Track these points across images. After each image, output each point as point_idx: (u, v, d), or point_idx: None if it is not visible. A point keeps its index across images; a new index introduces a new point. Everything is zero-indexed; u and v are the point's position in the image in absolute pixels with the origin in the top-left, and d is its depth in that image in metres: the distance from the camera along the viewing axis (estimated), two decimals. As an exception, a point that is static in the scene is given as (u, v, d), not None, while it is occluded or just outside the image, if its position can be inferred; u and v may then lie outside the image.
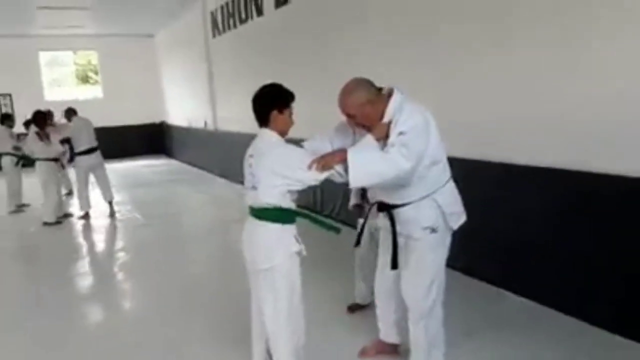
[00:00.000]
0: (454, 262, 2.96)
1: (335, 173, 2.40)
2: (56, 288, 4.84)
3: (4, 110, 13.98)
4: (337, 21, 6.00)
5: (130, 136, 15.39)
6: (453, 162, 2.72)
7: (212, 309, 4.06)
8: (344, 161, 2.36)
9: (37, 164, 7.40)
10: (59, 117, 8.39)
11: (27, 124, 8.64)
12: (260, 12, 8.08)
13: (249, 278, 2.71)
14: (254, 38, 8.48)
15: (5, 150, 8.36)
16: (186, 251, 5.99)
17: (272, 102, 2.52)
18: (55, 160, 7.46)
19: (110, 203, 7.86)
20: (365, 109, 2.47)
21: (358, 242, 3.17)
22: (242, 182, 9.04)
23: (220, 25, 10.01)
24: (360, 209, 3.57)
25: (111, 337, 3.71)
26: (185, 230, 7.22)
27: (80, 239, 6.88)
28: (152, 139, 16.03)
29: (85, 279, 5.20)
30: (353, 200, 3.62)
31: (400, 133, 2.38)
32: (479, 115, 4.11)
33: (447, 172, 2.65)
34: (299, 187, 2.46)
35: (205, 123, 11.67)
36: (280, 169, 2.42)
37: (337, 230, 2.71)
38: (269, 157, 2.46)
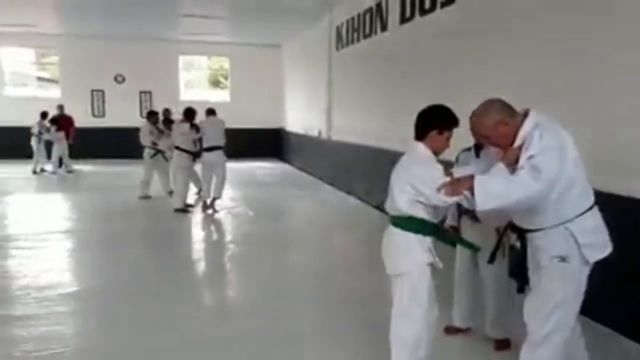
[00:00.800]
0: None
1: (463, 198, 2.42)
2: (172, 271, 5.28)
3: (144, 105, 15.60)
4: (463, 38, 5.96)
5: (251, 139, 16.25)
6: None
7: (312, 308, 4.24)
8: (472, 188, 2.36)
9: (175, 153, 8.21)
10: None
11: (165, 121, 9.55)
12: (384, 28, 8.23)
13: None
14: (376, 53, 8.65)
15: (147, 144, 9.29)
16: (291, 249, 6.29)
17: (435, 122, 2.64)
18: (190, 153, 8.15)
19: (214, 199, 8.17)
20: (500, 129, 2.45)
21: (492, 259, 3.04)
22: (348, 192, 9.13)
23: (344, 39, 10.33)
24: (456, 231, 3.55)
25: (217, 325, 3.93)
26: (291, 230, 7.54)
27: (197, 228, 7.48)
28: (270, 143, 16.89)
29: (198, 265, 5.66)
30: (449, 221, 3.58)
31: (531, 156, 2.31)
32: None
33: (587, 199, 2.45)
34: (424, 201, 2.55)
35: (320, 132, 12.06)
36: (412, 179, 2.55)
37: (477, 249, 2.86)
38: (410, 167, 2.62)
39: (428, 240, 2.65)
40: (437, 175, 2.54)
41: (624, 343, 3.57)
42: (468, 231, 3.48)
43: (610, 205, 2.67)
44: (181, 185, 8.20)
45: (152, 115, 9.53)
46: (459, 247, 3.55)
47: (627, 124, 3.71)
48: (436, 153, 2.66)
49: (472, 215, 3.36)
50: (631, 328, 3.60)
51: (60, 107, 13.28)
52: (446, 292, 3.70)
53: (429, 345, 2.73)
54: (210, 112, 8.47)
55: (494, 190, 2.33)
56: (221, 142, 8.11)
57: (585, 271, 2.46)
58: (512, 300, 3.39)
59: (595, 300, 2.69)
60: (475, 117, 2.53)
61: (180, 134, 8.05)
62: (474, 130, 2.55)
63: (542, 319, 2.48)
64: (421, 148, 2.66)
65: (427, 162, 2.61)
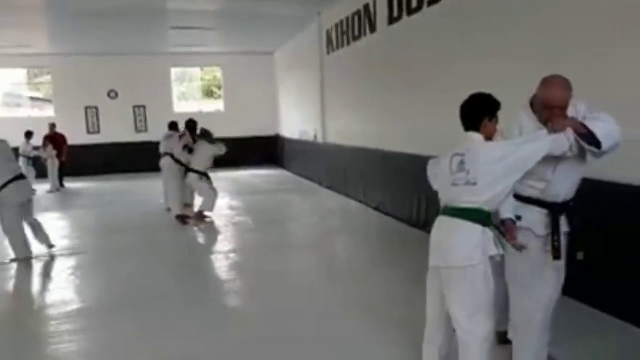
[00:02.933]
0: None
1: (568, 138, 2.52)
2: (177, 284, 5.28)
3: (138, 119, 15.84)
4: (452, 35, 5.99)
5: (247, 147, 16.11)
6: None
7: (316, 313, 4.22)
8: (574, 128, 2.49)
9: (173, 165, 8.38)
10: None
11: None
12: (373, 29, 8.27)
13: (429, 277, 2.76)
14: (367, 54, 8.69)
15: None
16: (292, 256, 6.26)
17: (485, 109, 2.66)
18: (181, 164, 8.25)
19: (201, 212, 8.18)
20: (570, 103, 2.62)
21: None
22: (346, 195, 9.03)
23: (334, 43, 10.37)
24: None
25: (213, 335, 3.89)
26: (292, 237, 7.53)
27: (198, 239, 7.47)
28: (266, 151, 16.87)
29: (203, 276, 5.62)
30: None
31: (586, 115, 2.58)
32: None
33: None
34: (534, 161, 2.53)
35: (315, 136, 12.09)
36: (508, 156, 2.53)
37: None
38: (491, 153, 2.57)
39: (492, 232, 2.62)
40: (517, 138, 2.67)
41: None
42: None
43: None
44: (173, 193, 8.30)
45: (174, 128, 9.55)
46: None
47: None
48: (488, 140, 2.67)
49: None
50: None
51: (53, 126, 13.17)
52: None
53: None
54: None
55: (606, 128, 2.47)
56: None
57: None
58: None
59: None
60: (561, 88, 2.61)
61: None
62: (557, 99, 2.60)
63: None
64: (478, 137, 2.63)
65: (498, 143, 2.66)
